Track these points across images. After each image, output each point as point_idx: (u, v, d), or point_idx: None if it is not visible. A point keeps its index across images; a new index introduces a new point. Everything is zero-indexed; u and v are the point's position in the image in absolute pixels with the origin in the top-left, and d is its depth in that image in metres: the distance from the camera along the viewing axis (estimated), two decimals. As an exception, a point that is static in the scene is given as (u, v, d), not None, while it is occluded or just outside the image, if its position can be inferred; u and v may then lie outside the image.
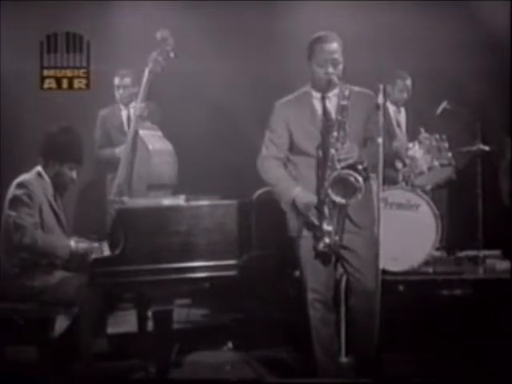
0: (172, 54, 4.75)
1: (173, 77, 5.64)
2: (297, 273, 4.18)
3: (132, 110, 5.51)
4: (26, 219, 4.03)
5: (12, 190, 4.11)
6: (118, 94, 5.63)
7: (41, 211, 4.10)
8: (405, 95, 5.78)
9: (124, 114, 5.69)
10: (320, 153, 3.68)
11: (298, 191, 3.70)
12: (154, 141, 4.83)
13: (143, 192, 4.67)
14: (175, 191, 4.75)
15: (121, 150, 5.28)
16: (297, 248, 3.82)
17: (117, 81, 5.63)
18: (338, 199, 3.55)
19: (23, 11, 6.01)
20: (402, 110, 5.90)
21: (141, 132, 4.83)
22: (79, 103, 5.72)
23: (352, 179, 3.50)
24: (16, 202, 4.05)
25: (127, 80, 5.60)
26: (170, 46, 4.74)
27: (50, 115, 5.76)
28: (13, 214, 4.03)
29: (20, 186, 4.10)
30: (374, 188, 3.75)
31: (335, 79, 3.65)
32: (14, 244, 4.02)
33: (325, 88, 3.70)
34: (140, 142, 4.77)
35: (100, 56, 5.38)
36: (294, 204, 3.71)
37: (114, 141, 5.54)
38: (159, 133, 5.03)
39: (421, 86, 5.91)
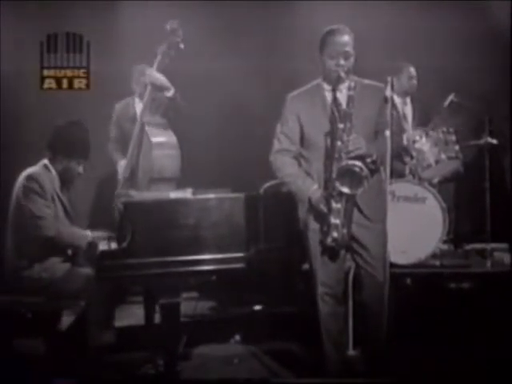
0: (182, 46, 4.69)
1: (177, 75, 5.62)
2: (305, 266, 4.18)
3: None
4: (45, 211, 4.04)
5: (22, 183, 4.10)
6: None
7: (53, 203, 4.11)
8: (414, 81, 5.79)
9: (139, 106, 5.54)
10: (328, 144, 3.68)
11: (315, 189, 3.70)
12: (158, 133, 4.77)
13: (146, 186, 4.64)
14: (180, 184, 4.73)
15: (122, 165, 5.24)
16: (306, 241, 3.82)
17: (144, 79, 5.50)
18: (345, 189, 3.54)
19: (23, 11, 5.99)
20: (408, 101, 5.90)
21: (146, 125, 4.79)
22: (79, 103, 5.67)
23: (357, 169, 3.49)
24: (31, 193, 4.05)
25: None
26: (179, 38, 4.66)
27: (50, 114, 5.75)
28: (29, 205, 4.03)
29: (30, 178, 4.09)
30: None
31: (343, 74, 3.64)
32: (34, 236, 4.02)
33: (335, 81, 3.69)
34: (145, 134, 4.73)
35: (100, 56, 5.38)
36: (309, 201, 3.71)
37: (128, 133, 5.46)
38: (166, 125, 4.97)
39: (427, 80, 5.91)
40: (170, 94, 4.85)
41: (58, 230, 4.02)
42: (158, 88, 4.82)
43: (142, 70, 5.45)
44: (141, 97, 5.53)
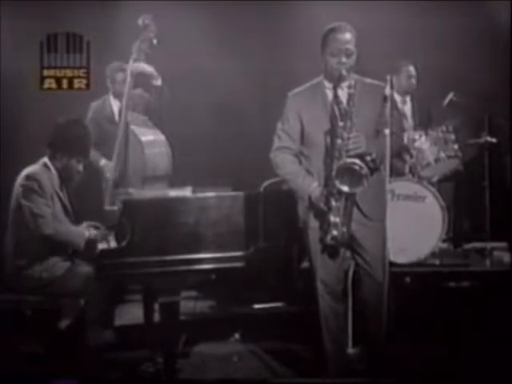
0: (155, 41, 4.61)
1: (177, 74, 5.61)
2: (304, 264, 4.19)
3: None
4: (44, 209, 4.03)
5: (21, 182, 4.10)
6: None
7: (52, 202, 4.11)
8: (413, 81, 5.80)
9: (116, 104, 5.55)
10: (328, 142, 3.67)
11: (315, 187, 3.69)
12: (145, 132, 4.73)
13: (138, 185, 4.61)
14: (179, 183, 4.71)
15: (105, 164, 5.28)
16: (306, 239, 3.82)
17: (121, 76, 5.42)
18: (344, 188, 3.54)
19: (23, 11, 6.00)
20: (408, 100, 5.90)
21: (131, 124, 4.76)
22: (79, 103, 5.66)
23: (357, 167, 3.48)
24: (30, 192, 4.04)
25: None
26: (152, 33, 4.60)
27: (50, 114, 5.74)
28: (29, 204, 4.03)
29: (29, 177, 4.09)
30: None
31: (344, 72, 3.64)
32: (32, 234, 4.01)
33: (337, 79, 3.69)
34: (131, 134, 4.70)
35: (100, 56, 5.37)
36: (309, 199, 3.71)
37: (106, 132, 5.38)
38: (149, 123, 4.95)
39: (427, 79, 5.91)
40: (158, 82, 4.84)
41: (55, 229, 4.02)
42: (147, 77, 4.80)
43: (118, 67, 5.46)
44: (116, 95, 5.53)
